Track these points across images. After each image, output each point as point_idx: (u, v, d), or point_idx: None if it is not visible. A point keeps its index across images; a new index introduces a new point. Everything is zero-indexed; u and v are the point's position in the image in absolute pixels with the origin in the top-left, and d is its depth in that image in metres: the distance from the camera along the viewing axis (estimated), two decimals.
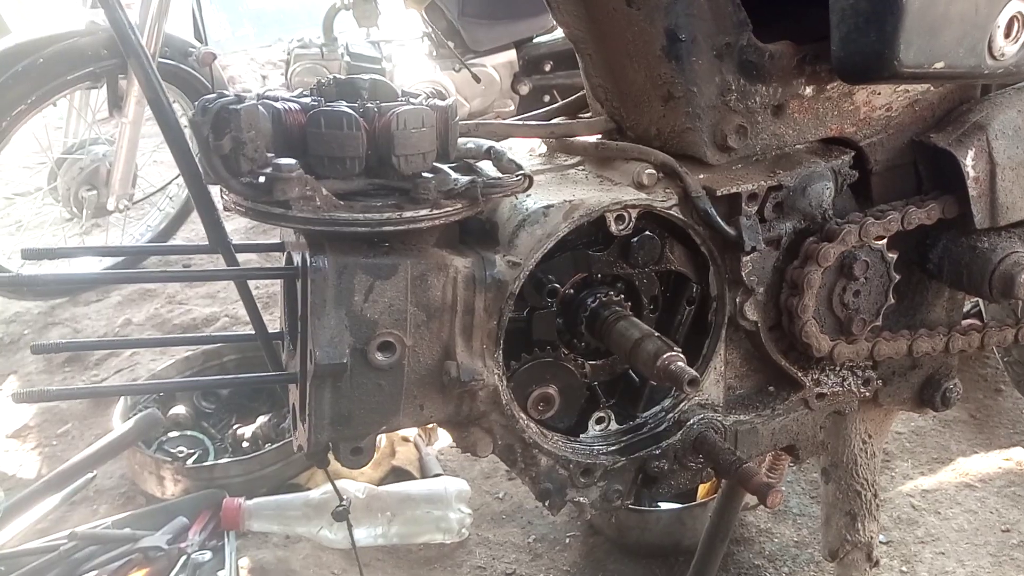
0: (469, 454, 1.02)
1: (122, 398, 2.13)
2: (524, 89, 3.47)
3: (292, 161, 0.80)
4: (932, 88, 1.12)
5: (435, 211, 0.86)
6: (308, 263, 0.86)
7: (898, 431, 2.15)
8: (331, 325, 0.87)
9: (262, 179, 0.82)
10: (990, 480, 2.00)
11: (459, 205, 0.88)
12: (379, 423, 0.93)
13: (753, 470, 1.02)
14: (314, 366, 0.86)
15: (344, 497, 1.36)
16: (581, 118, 1.17)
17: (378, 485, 1.91)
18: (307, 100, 0.88)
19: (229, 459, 1.98)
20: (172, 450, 2.05)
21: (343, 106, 0.84)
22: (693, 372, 0.90)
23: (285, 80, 3.40)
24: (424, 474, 2.03)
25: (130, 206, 3.00)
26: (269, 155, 0.82)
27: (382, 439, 2.05)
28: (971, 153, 1.08)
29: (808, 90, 1.05)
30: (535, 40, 3.47)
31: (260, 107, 0.82)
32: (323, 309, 0.86)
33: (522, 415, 1.00)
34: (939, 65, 0.93)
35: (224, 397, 2.26)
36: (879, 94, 1.09)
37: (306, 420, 0.90)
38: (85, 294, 3.07)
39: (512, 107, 3.49)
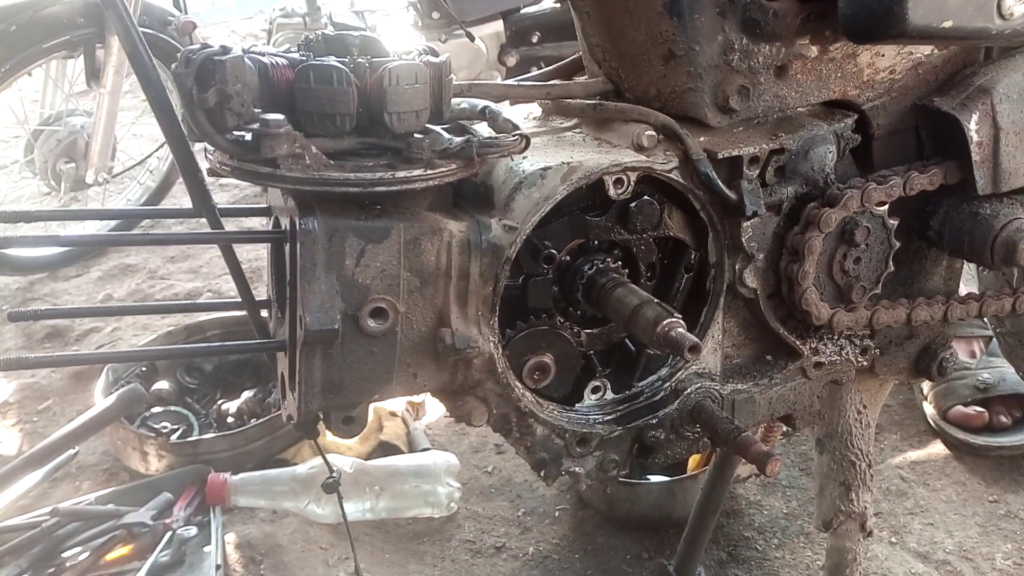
0: (463, 424, 1.00)
1: (104, 373, 2.09)
2: (511, 61, 3.41)
3: (281, 116, 0.77)
4: (936, 51, 1.10)
5: (429, 171, 0.83)
6: (297, 225, 0.82)
7: (887, 403, 2.15)
8: (322, 290, 0.84)
9: (248, 136, 0.79)
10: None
11: (454, 166, 0.85)
12: (371, 391, 0.90)
13: (752, 439, 1.01)
14: (304, 332, 0.83)
15: (334, 469, 1.34)
16: (578, 80, 1.14)
17: (366, 460, 1.89)
18: (295, 56, 0.84)
19: (214, 434, 1.95)
20: (156, 425, 2.01)
21: (333, 61, 0.81)
22: (694, 338, 0.88)
23: None
24: (412, 448, 2.01)
25: (109, 179, 2.94)
26: (256, 110, 0.78)
27: (369, 413, 2.03)
28: (975, 117, 1.06)
29: (812, 50, 1.02)
30: (522, 11, 3.42)
31: (246, 60, 0.78)
32: (313, 273, 0.83)
33: (518, 384, 0.98)
34: (947, 24, 0.90)
35: (208, 372, 2.22)
36: (883, 56, 1.07)
37: (296, 389, 0.87)
38: (64, 269, 3.01)
39: (499, 79, 3.44)
